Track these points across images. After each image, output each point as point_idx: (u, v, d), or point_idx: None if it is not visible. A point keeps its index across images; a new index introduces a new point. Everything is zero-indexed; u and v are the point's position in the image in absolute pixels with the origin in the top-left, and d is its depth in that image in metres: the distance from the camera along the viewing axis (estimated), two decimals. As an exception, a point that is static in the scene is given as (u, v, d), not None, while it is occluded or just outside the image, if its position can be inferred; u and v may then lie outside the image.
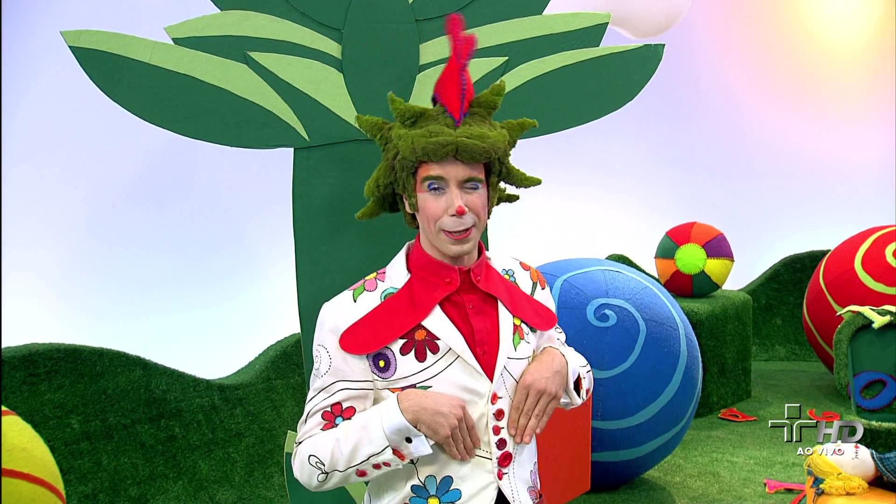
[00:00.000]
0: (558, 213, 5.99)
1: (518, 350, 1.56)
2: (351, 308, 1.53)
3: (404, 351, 1.50)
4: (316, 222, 2.19)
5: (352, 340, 1.50)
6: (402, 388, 1.50)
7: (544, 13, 2.26)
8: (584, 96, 2.26)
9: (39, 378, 3.16)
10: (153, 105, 2.04)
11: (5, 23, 3.56)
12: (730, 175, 7.17)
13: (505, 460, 1.54)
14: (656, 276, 5.74)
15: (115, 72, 2.00)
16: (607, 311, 3.68)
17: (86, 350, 3.33)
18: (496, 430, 1.53)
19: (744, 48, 7.28)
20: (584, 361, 1.72)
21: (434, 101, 1.58)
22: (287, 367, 4.18)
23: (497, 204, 1.63)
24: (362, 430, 1.46)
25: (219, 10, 2.09)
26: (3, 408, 2.07)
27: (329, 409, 1.51)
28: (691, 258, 5.30)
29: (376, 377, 1.51)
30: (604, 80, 2.26)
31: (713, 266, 5.31)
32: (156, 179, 4.12)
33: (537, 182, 1.65)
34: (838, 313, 3.64)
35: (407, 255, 1.59)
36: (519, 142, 1.64)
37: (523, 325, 1.59)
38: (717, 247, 5.33)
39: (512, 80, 2.20)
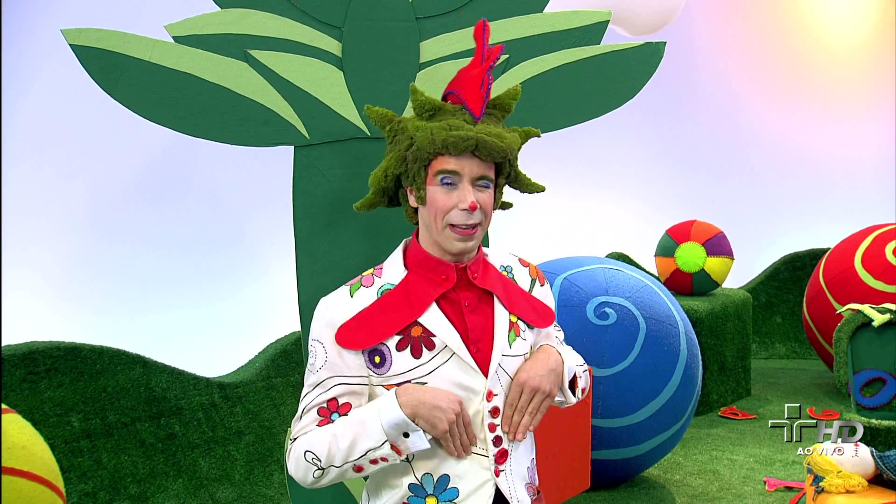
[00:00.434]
0: (558, 211, 5.98)
1: (513, 347, 1.56)
2: (347, 303, 1.53)
3: (400, 347, 1.51)
4: (316, 220, 2.18)
5: (348, 336, 1.50)
6: (398, 385, 1.50)
7: (545, 11, 2.26)
8: (585, 94, 2.25)
9: (39, 376, 3.16)
10: (153, 103, 2.04)
11: (5, 21, 3.55)
12: (730, 173, 7.17)
13: (501, 457, 1.54)
14: (656, 275, 5.74)
15: (115, 70, 1.99)
16: (607, 310, 3.68)
17: (86, 348, 3.33)
18: (492, 428, 1.53)
19: (744, 46, 7.27)
20: (581, 360, 1.72)
21: (444, 98, 1.59)
22: (287, 365, 4.18)
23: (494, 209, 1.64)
24: (360, 425, 1.46)
25: (219, 8, 2.09)
26: (3, 406, 2.07)
27: (325, 405, 1.51)
28: (691, 256, 5.30)
29: (371, 373, 1.52)
30: (605, 78, 2.26)
31: (713, 264, 5.31)
32: (156, 177, 4.11)
33: (541, 189, 1.67)
34: (838, 311, 3.64)
35: (404, 252, 1.60)
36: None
37: (520, 322, 1.59)
38: (717, 245, 5.33)
39: (512, 78, 2.20)
